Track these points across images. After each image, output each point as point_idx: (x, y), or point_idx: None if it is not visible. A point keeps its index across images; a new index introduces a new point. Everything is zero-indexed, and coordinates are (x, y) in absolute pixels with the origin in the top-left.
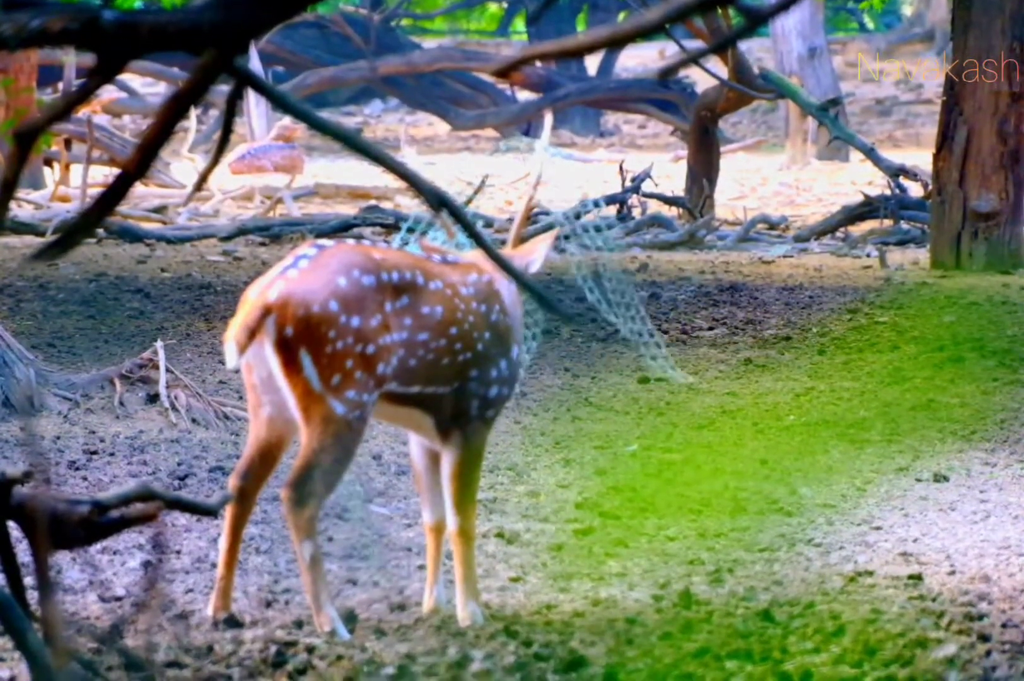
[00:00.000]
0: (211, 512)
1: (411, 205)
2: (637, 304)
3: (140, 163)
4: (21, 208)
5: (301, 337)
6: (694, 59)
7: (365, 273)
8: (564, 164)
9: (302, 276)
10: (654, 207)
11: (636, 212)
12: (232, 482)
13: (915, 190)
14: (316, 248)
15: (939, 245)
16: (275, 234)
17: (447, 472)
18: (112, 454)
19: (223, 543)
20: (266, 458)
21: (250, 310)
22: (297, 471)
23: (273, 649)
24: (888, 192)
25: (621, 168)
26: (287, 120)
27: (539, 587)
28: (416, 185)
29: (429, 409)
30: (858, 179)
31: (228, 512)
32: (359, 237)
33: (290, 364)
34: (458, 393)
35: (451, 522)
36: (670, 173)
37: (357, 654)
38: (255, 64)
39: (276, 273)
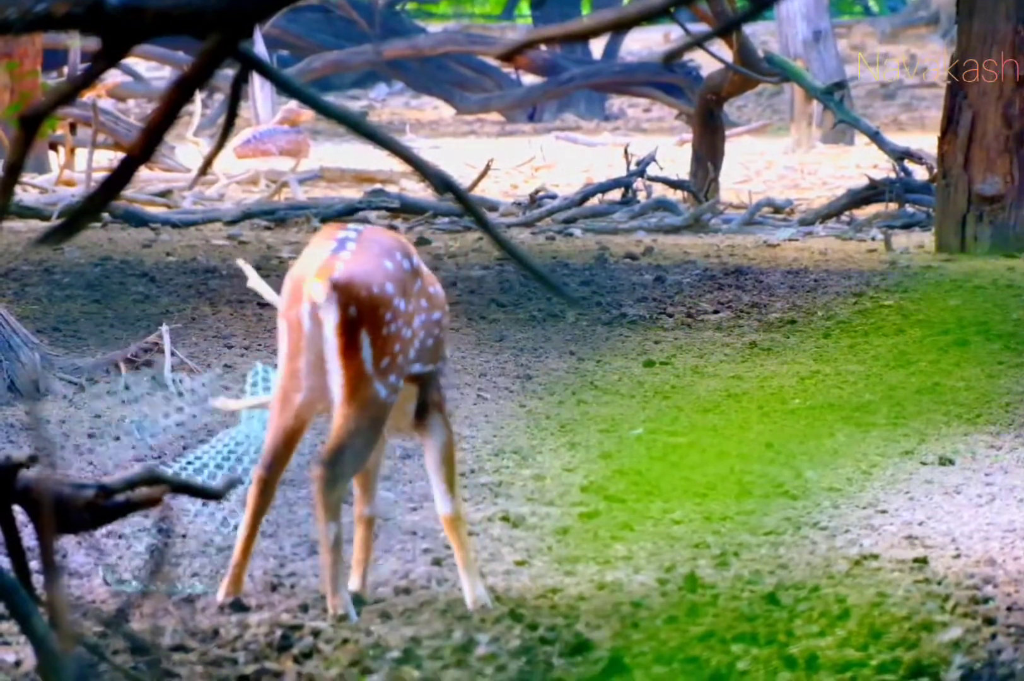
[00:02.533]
0: (217, 496)
1: (416, 189)
2: None
3: (145, 147)
4: (26, 192)
5: (364, 318)
6: (699, 43)
7: (404, 257)
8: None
9: (356, 258)
10: (659, 191)
11: (641, 196)
12: (257, 473)
13: (920, 173)
14: (354, 231)
15: (944, 228)
16: (280, 218)
17: (436, 458)
18: (117, 438)
19: (243, 530)
20: (289, 446)
21: (312, 281)
22: (331, 451)
23: (279, 633)
24: (893, 175)
25: (626, 152)
26: (292, 104)
27: (544, 571)
28: (421, 169)
29: (424, 388)
30: (863, 162)
31: (252, 500)
32: (365, 221)
33: (350, 345)
34: (439, 371)
35: (446, 507)
36: (675, 157)
37: (363, 638)
38: (260, 48)
39: (326, 254)
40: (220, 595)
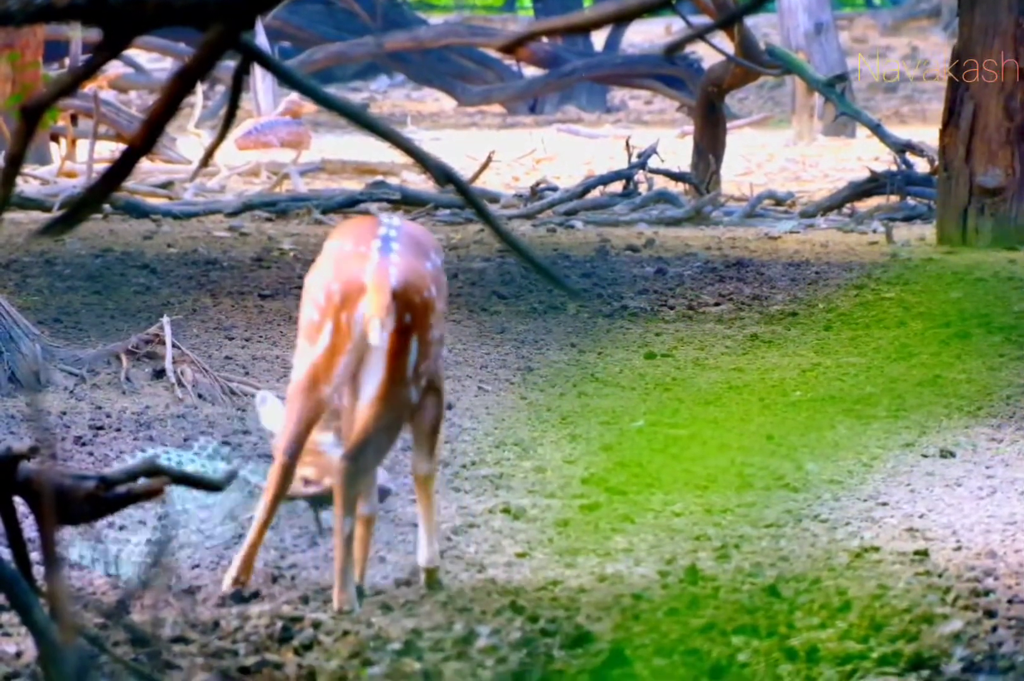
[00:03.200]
0: (218, 487)
1: (417, 181)
2: None
3: (146, 139)
4: (27, 183)
5: (416, 324)
6: (700, 35)
7: (436, 254)
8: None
9: (404, 261)
10: (660, 183)
11: (642, 188)
12: (281, 460)
13: (921, 166)
14: (393, 228)
15: (945, 221)
16: (281, 210)
17: (424, 427)
18: (118, 429)
19: (260, 516)
20: (308, 433)
21: (381, 294)
22: (356, 446)
23: (279, 624)
24: (894, 168)
25: (627, 144)
26: (293, 96)
27: (545, 563)
28: (422, 160)
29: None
30: (864, 155)
31: (272, 487)
32: (365, 213)
33: (401, 351)
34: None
35: (424, 467)
36: (676, 149)
37: (363, 629)
38: (261, 40)
39: (376, 256)
40: (226, 583)
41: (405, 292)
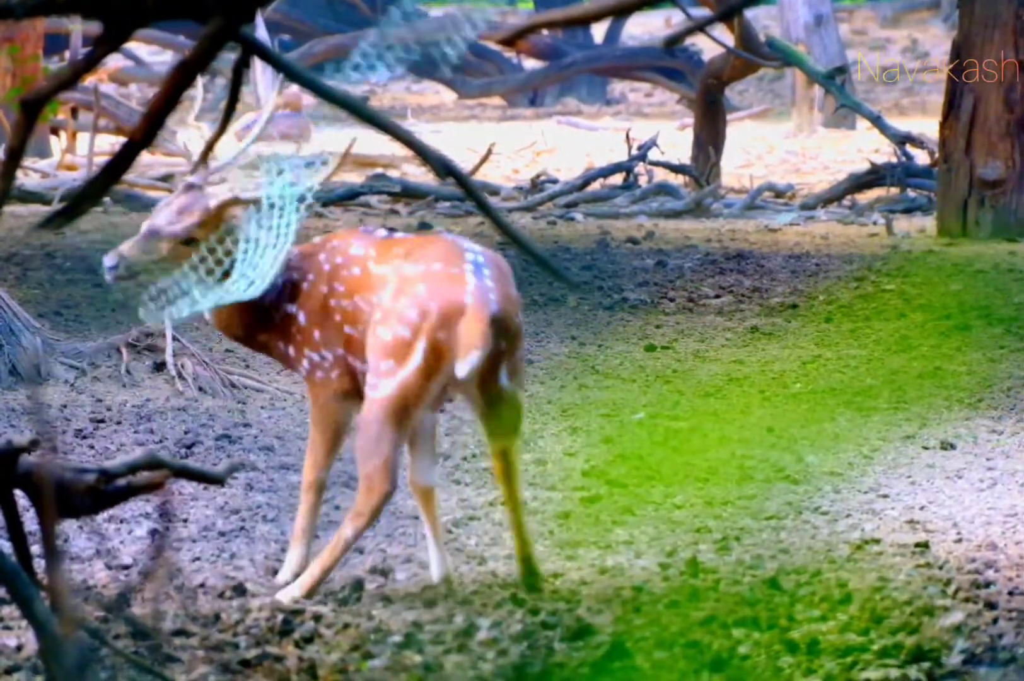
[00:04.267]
0: (218, 480)
1: (417, 173)
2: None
3: (146, 132)
4: (27, 177)
5: (511, 349)
6: (700, 27)
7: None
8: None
9: (498, 286)
10: (660, 175)
11: (642, 180)
12: (383, 489)
13: (922, 158)
14: (478, 253)
15: (945, 213)
16: None
17: (435, 435)
18: (119, 422)
19: (346, 539)
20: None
21: (477, 322)
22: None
23: (280, 617)
24: (894, 160)
25: (627, 136)
26: (294, 89)
27: (546, 555)
28: (422, 153)
29: None
30: (864, 147)
31: (368, 516)
32: (366, 205)
33: (490, 374)
34: None
35: (434, 479)
36: (676, 141)
37: (364, 622)
38: (261, 32)
39: (474, 280)
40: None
41: (504, 318)
